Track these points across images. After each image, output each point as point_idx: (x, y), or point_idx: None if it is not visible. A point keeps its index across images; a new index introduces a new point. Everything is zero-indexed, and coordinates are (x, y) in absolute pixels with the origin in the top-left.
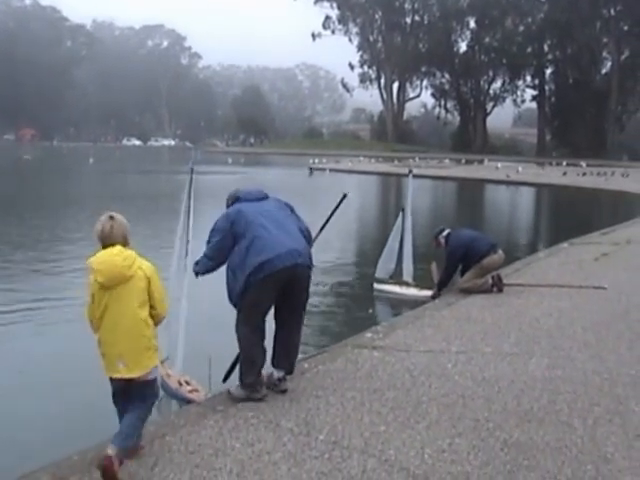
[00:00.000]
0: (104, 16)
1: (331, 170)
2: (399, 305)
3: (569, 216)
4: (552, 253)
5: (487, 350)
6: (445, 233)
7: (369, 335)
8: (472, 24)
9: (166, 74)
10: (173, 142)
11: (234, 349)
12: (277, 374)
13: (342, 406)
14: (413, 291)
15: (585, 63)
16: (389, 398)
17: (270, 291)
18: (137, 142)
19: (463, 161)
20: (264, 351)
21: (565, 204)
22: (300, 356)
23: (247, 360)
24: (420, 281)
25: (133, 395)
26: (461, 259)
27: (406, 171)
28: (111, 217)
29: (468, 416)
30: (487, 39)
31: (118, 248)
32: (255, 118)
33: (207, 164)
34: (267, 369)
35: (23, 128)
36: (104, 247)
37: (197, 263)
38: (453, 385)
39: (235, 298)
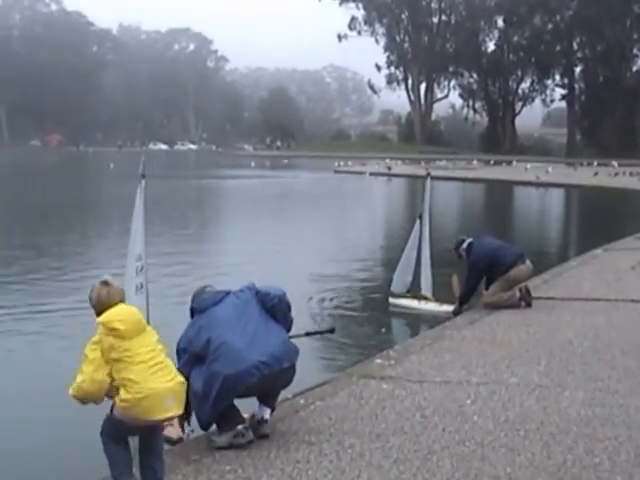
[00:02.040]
0: (130, 20)
1: (371, 174)
2: (417, 322)
3: (601, 219)
4: (585, 261)
5: (512, 381)
6: (466, 244)
7: (379, 361)
8: (500, 23)
9: (192, 78)
10: (197, 146)
11: None
12: (259, 414)
13: (337, 457)
14: (432, 306)
15: (615, 61)
16: (394, 446)
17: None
18: (163, 146)
19: (492, 162)
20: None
21: (597, 206)
22: (297, 389)
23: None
24: (440, 295)
25: (155, 438)
26: (484, 271)
27: (441, 173)
28: (105, 283)
29: (487, 472)
30: (515, 38)
31: (127, 305)
32: (282, 120)
33: (231, 168)
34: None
35: (49, 134)
36: (99, 313)
37: None
38: (471, 428)
39: (207, 425)
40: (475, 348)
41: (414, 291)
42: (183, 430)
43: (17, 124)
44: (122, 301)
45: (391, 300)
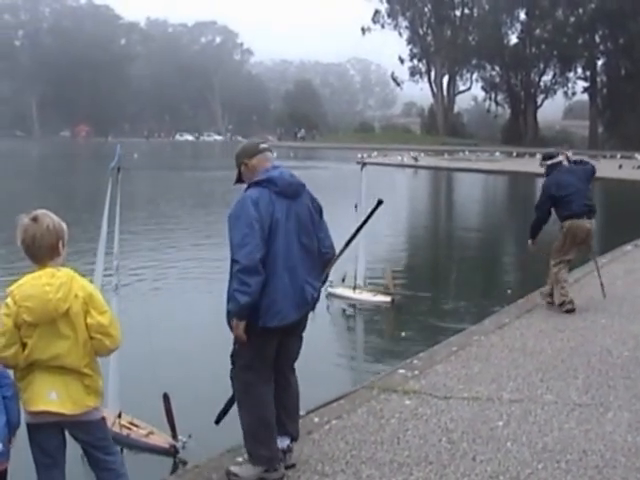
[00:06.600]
0: (157, 14)
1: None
2: (437, 325)
3: (630, 213)
4: (615, 258)
5: (548, 398)
6: (550, 162)
7: (402, 372)
8: (522, 16)
9: (219, 70)
10: (223, 137)
11: (187, 383)
12: (282, 443)
13: None
14: (367, 296)
15: (637, 53)
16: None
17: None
18: (189, 137)
19: (514, 154)
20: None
21: (624, 199)
22: (312, 402)
23: (261, 425)
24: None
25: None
26: (551, 199)
27: (464, 165)
28: (34, 219)
29: None
30: (537, 31)
31: (47, 274)
32: (307, 112)
33: None
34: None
35: (79, 125)
36: (32, 259)
37: (230, 300)
38: (504, 457)
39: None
40: (505, 357)
41: (350, 281)
42: (175, 438)
43: (47, 116)
44: (55, 251)
45: (329, 289)
